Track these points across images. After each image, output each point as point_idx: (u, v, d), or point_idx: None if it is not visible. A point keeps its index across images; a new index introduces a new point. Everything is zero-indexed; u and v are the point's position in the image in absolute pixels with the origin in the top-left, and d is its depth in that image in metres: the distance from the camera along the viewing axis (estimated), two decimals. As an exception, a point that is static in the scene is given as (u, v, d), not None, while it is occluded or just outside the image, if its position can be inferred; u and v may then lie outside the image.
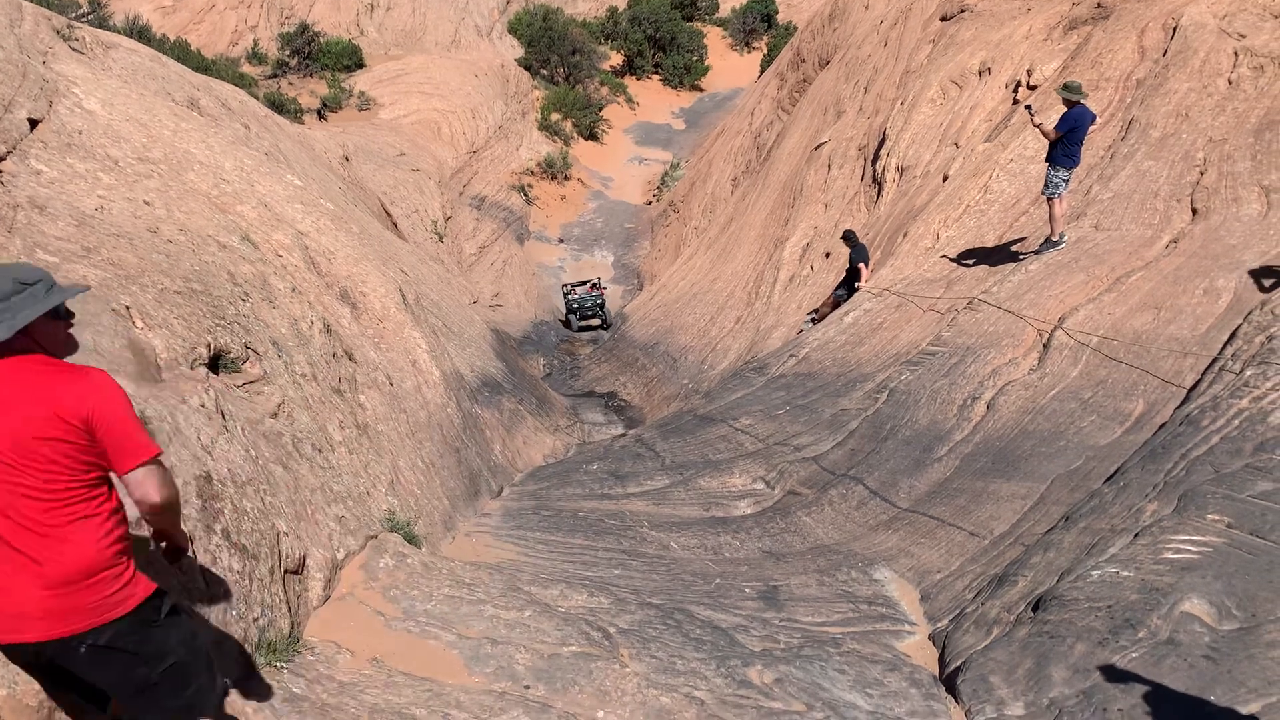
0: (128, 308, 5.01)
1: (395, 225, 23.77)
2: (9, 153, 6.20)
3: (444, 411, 8.75)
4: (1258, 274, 9.69)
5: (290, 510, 5.11)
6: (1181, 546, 5.48)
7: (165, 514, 3.00)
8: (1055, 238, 11.90)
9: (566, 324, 32.07)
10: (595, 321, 31.31)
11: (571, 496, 9.09)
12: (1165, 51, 14.18)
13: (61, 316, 2.98)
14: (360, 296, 8.42)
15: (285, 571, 4.71)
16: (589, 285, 32.37)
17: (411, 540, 6.31)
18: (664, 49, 57.57)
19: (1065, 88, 11.61)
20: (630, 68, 57.41)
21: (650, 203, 44.16)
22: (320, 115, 39.68)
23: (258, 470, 4.96)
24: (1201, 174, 11.95)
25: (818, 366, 12.14)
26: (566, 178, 44.02)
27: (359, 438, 7.10)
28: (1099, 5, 16.43)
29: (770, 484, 9.09)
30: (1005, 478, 7.88)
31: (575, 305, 31.06)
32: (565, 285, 33.17)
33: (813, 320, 15.97)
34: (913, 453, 8.90)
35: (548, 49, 52.81)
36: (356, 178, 22.89)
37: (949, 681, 5.34)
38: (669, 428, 11.86)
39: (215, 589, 4.06)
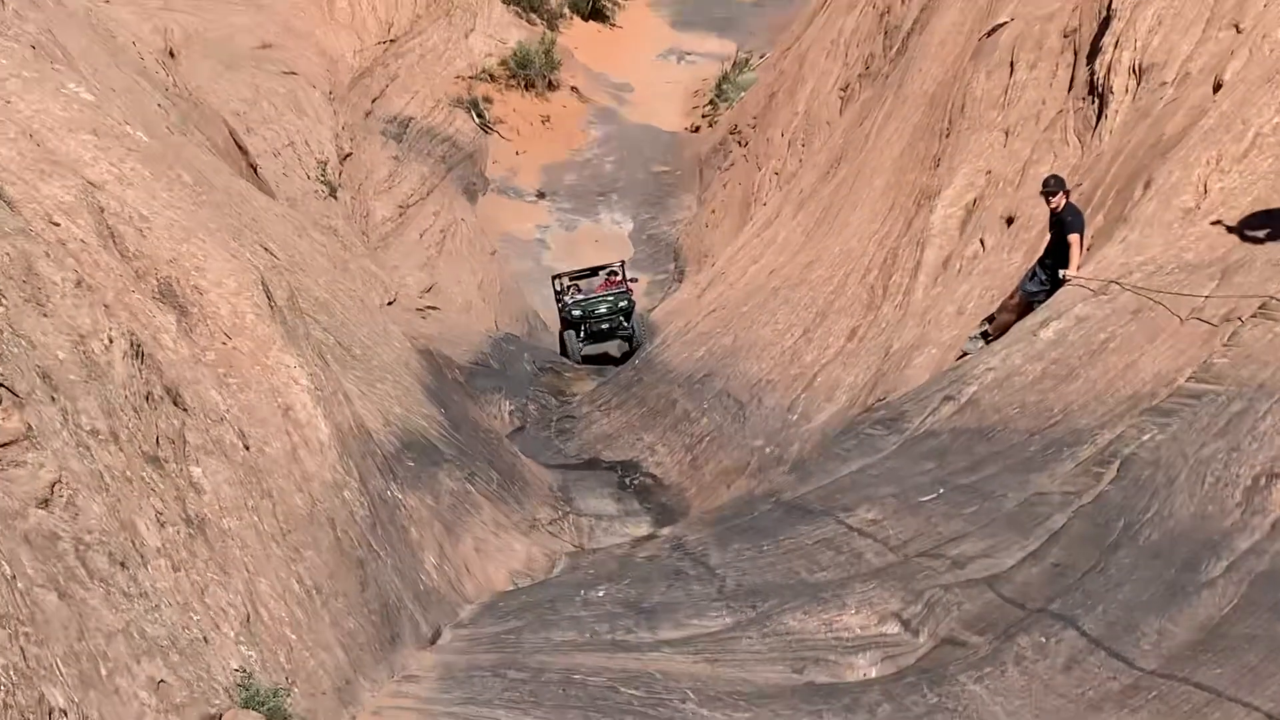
0: None
1: (254, 169, 18.27)
2: None
3: (338, 495, 7.38)
4: None
5: (71, 670, 4.30)
6: None
7: None
8: None
9: (561, 347, 22.06)
10: (614, 344, 21.72)
11: (560, 645, 7.65)
12: None
13: None
14: (194, 294, 7.17)
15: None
16: (605, 276, 22.02)
17: (282, 724, 5.31)
18: None
19: None
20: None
21: (697, 128, 31.68)
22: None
23: (14, 601, 4.14)
24: None
25: (994, 417, 9.93)
26: (552, 86, 31.26)
27: (191, 542, 5.90)
28: None
29: (912, 626, 7.44)
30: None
31: (579, 313, 20.71)
32: (557, 277, 22.59)
33: (983, 336, 13.07)
34: (1165, 572, 6.96)
35: None
36: (189, 87, 18.27)
37: None
38: (732, 525, 10.05)
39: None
